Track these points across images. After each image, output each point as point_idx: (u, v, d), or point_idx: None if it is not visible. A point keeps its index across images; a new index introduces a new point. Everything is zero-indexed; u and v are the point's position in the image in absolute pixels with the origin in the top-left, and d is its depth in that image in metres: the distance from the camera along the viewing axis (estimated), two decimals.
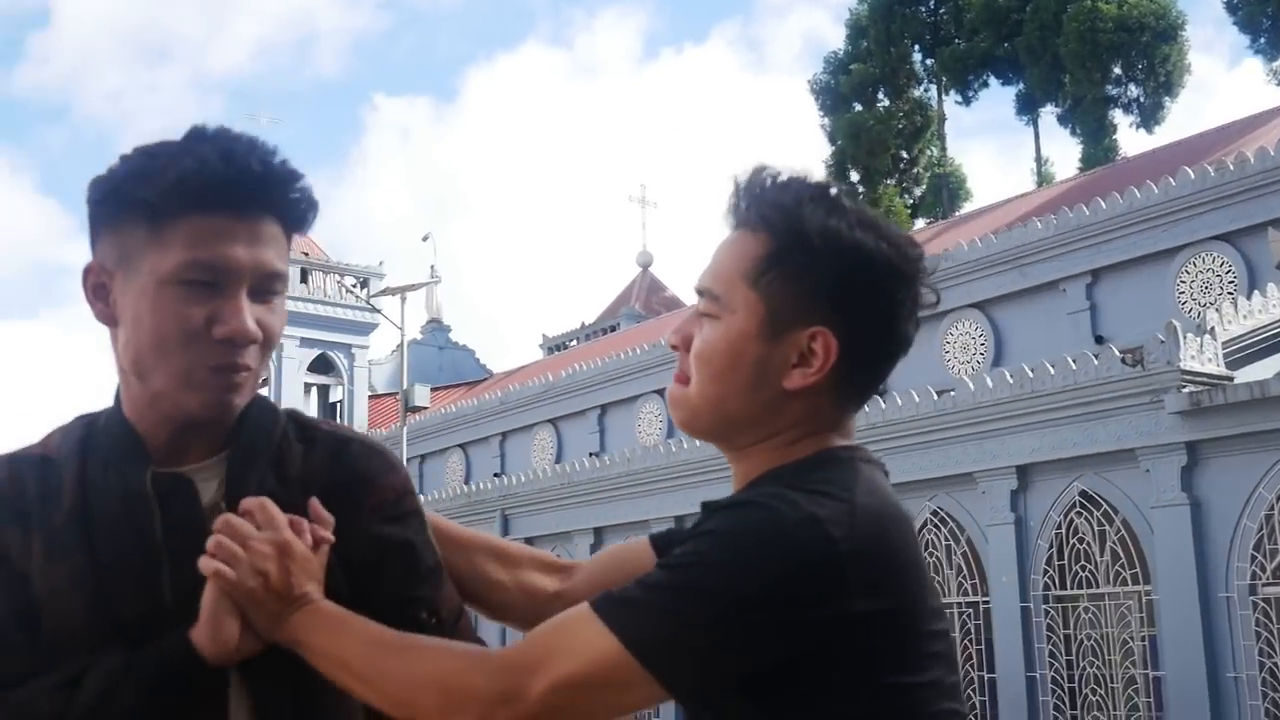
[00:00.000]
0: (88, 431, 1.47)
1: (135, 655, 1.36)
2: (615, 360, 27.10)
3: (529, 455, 29.14)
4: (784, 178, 1.43)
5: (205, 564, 1.37)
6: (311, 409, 36.64)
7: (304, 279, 39.71)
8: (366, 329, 37.52)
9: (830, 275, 1.37)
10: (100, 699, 1.33)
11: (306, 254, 40.79)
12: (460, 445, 31.71)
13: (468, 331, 77.90)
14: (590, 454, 25.03)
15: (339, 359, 36.45)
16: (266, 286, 1.41)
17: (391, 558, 1.50)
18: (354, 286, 37.90)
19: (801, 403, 1.40)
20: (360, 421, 34.72)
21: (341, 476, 1.51)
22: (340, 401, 36.39)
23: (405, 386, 24.95)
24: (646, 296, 38.31)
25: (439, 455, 32.19)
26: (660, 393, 25.84)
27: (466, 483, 28.60)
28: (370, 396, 36.56)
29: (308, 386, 36.95)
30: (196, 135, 1.40)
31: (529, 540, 24.48)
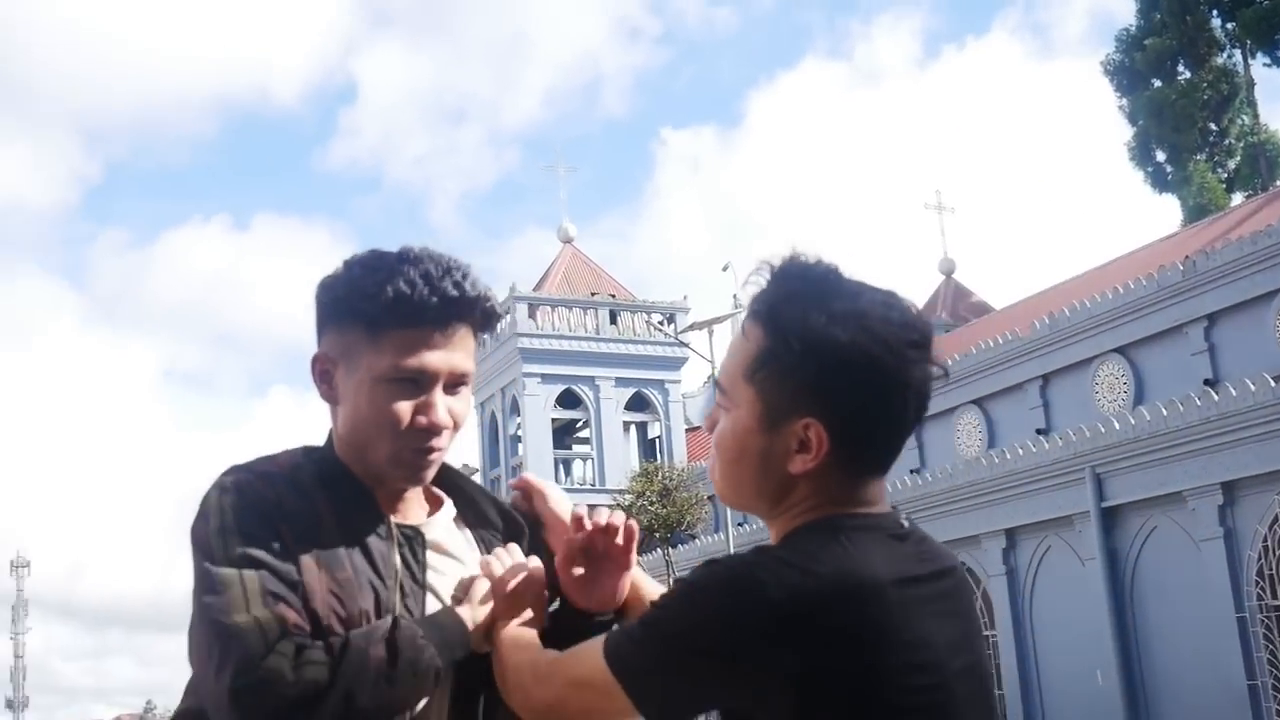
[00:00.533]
0: (319, 469, 1.78)
1: (434, 616, 1.72)
2: None
3: None
4: (784, 270, 1.57)
5: (485, 559, 1.82)
6: (632, 447, 37.58)
7: (613, 320, 40.78)
8: (677, 364, 38.25)
9: (810, 372, 1.50)
10: (414, 652, 1.63)
11: (614, 296, 41.88)
12: None
13: None
14: (910, 470, 24.76)
15: (654, 396, 37.26)
16: (456, 382, 1.76)
17: None
18: (661, 323, 38.69)
19: (810, 482, 1.54)
20: (680, 455, 35.34)
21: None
22: (659, 437, 37.16)
23: None
24: (953, 304, 37.61)
25: None
26: (977, 403, 25.35)
27: None
28: (686, 430, 37.18)
29: (626, 425, 37.91)
30: (405, 257, 1.73)
31: None
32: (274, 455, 1.80)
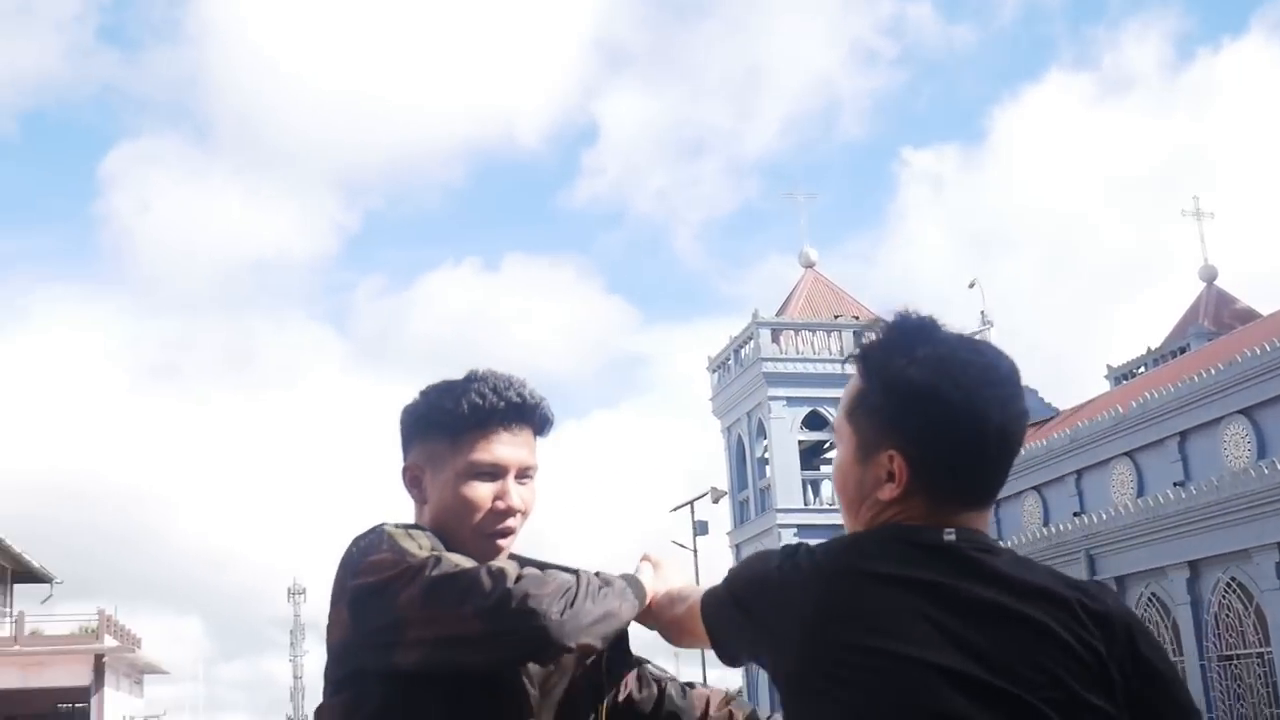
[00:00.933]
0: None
1: (621, 574, 2.03)
2: (1190, 383, 25.71)
3: (1108, 491, 28.13)
4: (887, 323, 1.78)
5: (644, 555, 2.15)
6: None
7: (857, 342, 40.43)
8: None
9: (890, 408, 1.72)
10: (613, 580, 1.96)
11: (857, 317, 41.59)
12: (1034, 488, 31.07)
13: (1029, 370, 75.75)
14: (1174, 484, 23.87)
15: None
16: (524, 473, 2.10)
17: None
18: None
19: (898, 506, 1.73)
20: None
21: None
22: None
23: None
24: (1215, 311, 36.01)
25: (1013, 499, 31.72)
26: (1244, 412, 24.29)
27: (1045, 525, 28.01)
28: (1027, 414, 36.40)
29: None
30: (473, 377, 2.09)
31: (1118, 580, 23.62)
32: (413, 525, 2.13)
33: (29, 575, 41.84)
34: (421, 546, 1.91)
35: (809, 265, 44.81)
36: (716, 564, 43.70)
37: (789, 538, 36.19)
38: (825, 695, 1.61)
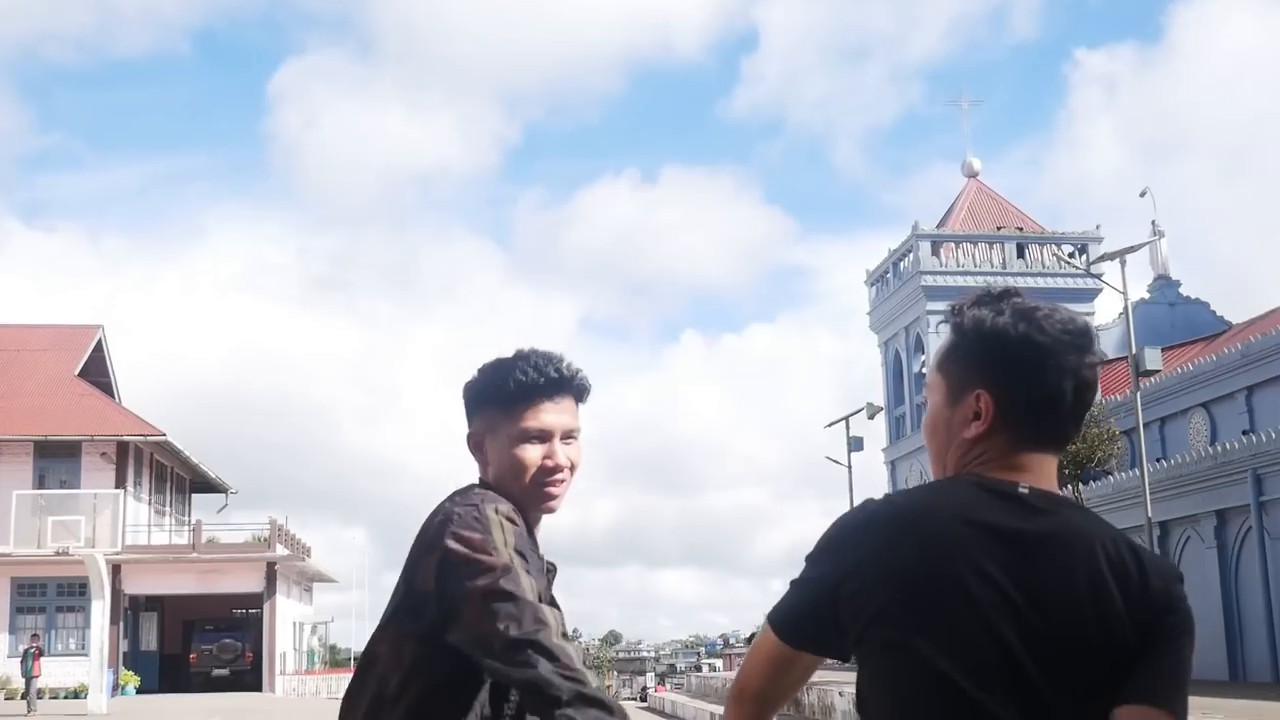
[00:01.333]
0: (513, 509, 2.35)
1: None
2: None
3: None
4: (977, 293, 1.97)
5: None
6: None
7: (1020, 254, 39.53)
8: (1089, 295, 36.69)
9: (980, 351, 1.92)
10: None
11: (1020, 229, 40.54)
12: (1202, 404, 30.06)
13: (1201, 283, 73.58)
14: None
15: None
16: (569, 435, 2.43)
17: None
18: (1071, 255, 37.17)
19: (982, 445, 1.93)
20: None
21: None
22: None
23: (1134, 351, 24.19)
24: None
25: (1179, 417, 30.75)
26: None
27: (1212, 444, 27.08)
28: (1100, 363, 35.60)
29: None
30: (520, 355, 2.42)
31: None
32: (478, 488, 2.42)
33: (206, 485, 43.71)
34: (506, 544, 2.19)
35: (972, 175, 43.79)
36: (871, 481, 43.50)
37: None
38: (899, 628, 1.79)
